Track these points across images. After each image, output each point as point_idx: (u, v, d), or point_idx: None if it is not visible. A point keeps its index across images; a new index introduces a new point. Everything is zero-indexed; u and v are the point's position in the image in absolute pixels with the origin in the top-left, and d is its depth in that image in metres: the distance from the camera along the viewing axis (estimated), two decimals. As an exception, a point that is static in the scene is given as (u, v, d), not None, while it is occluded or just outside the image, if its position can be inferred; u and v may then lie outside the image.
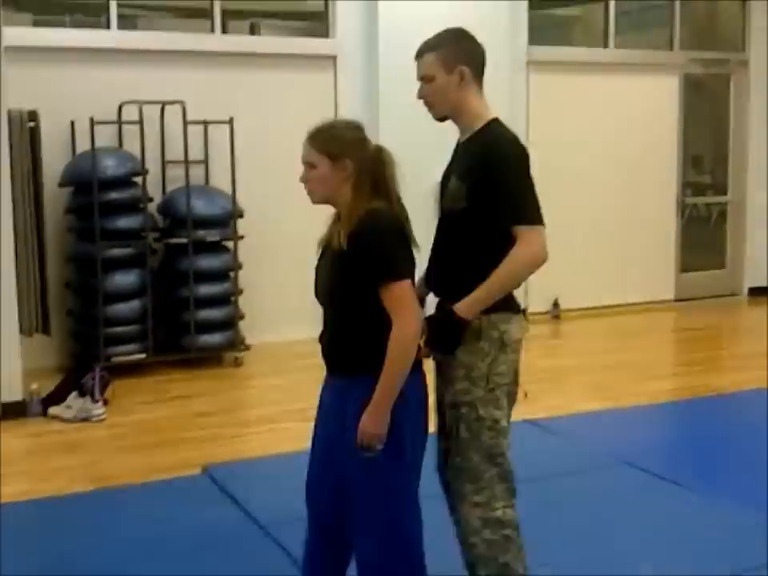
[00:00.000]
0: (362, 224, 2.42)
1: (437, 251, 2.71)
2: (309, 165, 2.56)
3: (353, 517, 2.49)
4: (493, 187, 2.54)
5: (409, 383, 2.40)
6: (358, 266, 2.40)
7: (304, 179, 2.58)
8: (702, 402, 5.57)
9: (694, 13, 9.06)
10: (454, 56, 2.63)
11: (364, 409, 2.38)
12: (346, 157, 2.49)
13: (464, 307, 2.53)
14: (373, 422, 2.37)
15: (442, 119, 2.71)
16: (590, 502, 3.87)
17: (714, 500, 3.87)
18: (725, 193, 9.31)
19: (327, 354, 2.57)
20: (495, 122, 2.68)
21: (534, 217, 2.57)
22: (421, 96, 2.70)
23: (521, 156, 2.63)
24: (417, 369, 2.44)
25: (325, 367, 2.61)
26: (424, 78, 2.67)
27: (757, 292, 9.18)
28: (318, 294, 2.60)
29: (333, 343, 2.54)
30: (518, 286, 2.67)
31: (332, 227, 2.58)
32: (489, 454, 2.60)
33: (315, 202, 2.60)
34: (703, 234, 9.56)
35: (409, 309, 2.38)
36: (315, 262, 2.66)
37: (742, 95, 9.06)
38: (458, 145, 2.77)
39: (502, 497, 2.63)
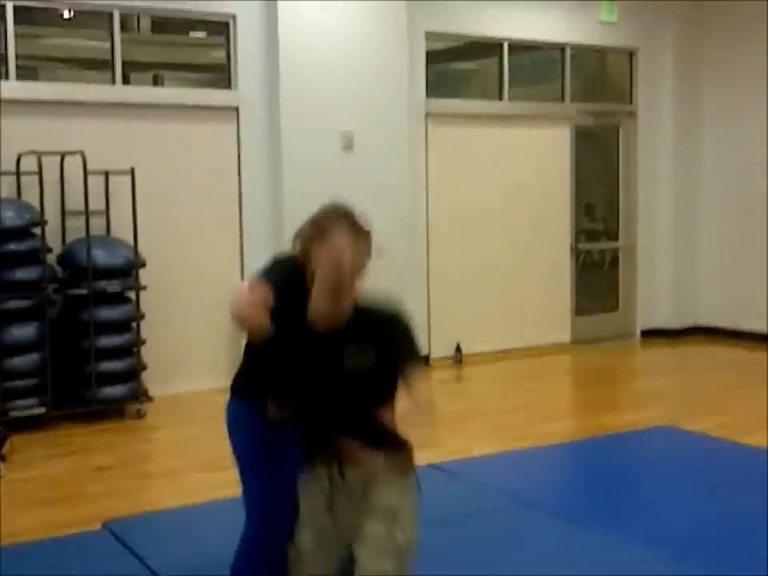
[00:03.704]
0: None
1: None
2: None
3: None
4: None
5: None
6: None
7: None
8: (598, 442, 5.73)
9: (584, 67, 9.46)
10: None
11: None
12: None
13: None
14: None
15: None
16: (491, 544, 3.93)
17: (612, 538, 3.98)
18: (616, 239, 9.66)
19: None
20: None
21: None
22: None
23: None
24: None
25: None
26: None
27: (649, 334, 9.52)
28: None
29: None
30: None
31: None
32: None
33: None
34: (597, 279, 9.90)
35: None
36: None
37: (630, 145, 9.45)
38: None
39: None
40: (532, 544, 3.96)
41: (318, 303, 2.58)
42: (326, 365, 2.60)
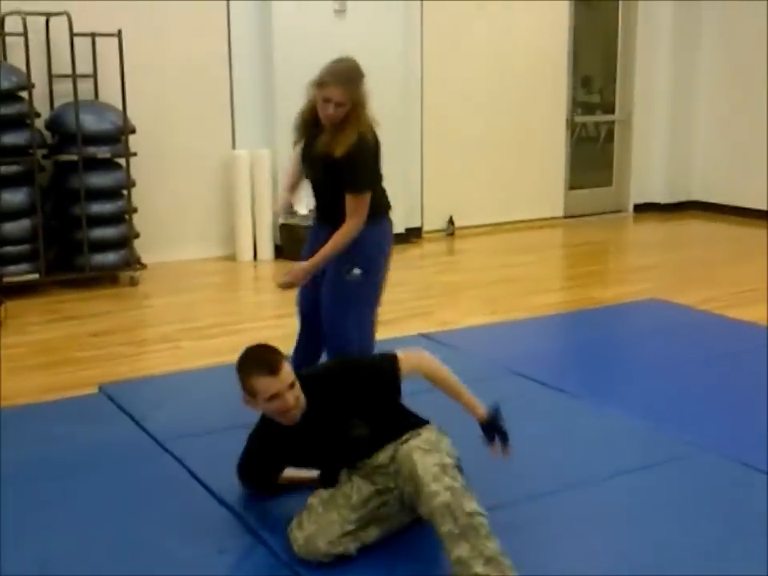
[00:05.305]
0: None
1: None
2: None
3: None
4: None
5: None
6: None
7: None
8: (588, 314, 5.79)
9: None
10: None
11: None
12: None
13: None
14: (306, 267, 3.56)
15: None
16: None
17: (598, 406, 4.06)
18: (613, 111, 9.53)
19: None
20: None
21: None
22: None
23: None
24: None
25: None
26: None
27: (642, 208, 9.51)
28: None
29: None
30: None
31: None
32: None
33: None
34: (592, 153, 9.81)
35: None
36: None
37: (630, 15, 9.22)
38: None
39: None
40: (521, 412, 4.01)
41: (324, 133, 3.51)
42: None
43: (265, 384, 2.77)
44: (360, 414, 2.91)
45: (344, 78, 3.45)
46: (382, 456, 2.87)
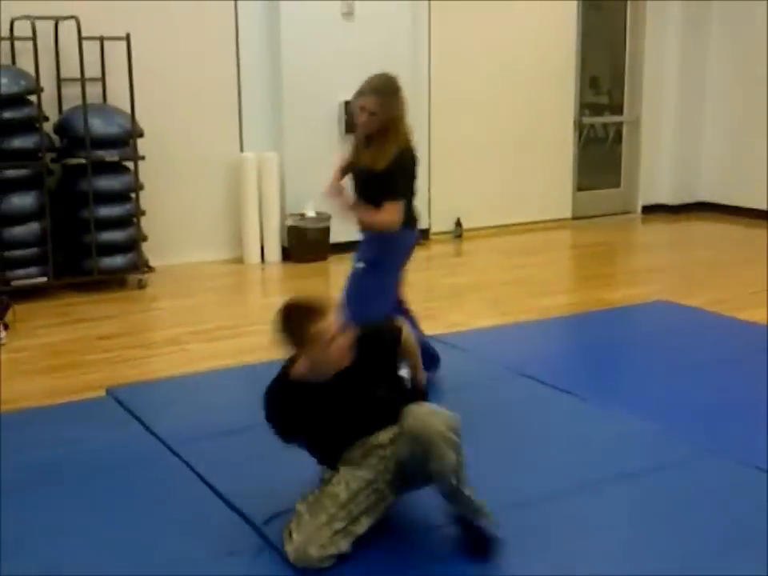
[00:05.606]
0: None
1: None
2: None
3: None
4: None
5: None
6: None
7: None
8: (596, 316, 5.78)
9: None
10: None
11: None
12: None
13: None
14: (347, 201, 3.98)
15: None
16: (490, 413, 3.97)
17: (605, 408, 4.05)
18: (621, 113, 9.52)
19: None
20: None
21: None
22: None
23: None
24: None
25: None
26: None
27: (650, 210, 9.49)
28: None
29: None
30: None
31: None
32: None
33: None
34: (600, 154, 9.80)
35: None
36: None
37: (638, 17, 9.21)
38: None
39: None
40: (528, 414, 4.04)
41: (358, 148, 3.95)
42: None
43: (323, 327, 2.76)
44: (377, 378, 2.98)
45: (378, 89, 3.82)
46: (383, 435, 2.89)
